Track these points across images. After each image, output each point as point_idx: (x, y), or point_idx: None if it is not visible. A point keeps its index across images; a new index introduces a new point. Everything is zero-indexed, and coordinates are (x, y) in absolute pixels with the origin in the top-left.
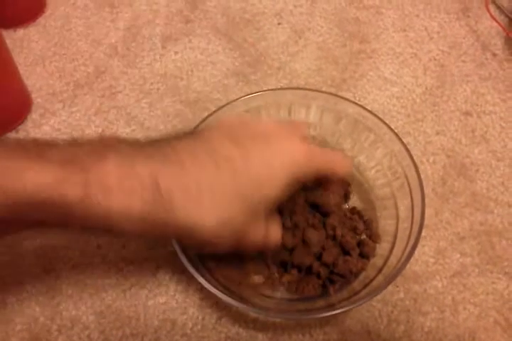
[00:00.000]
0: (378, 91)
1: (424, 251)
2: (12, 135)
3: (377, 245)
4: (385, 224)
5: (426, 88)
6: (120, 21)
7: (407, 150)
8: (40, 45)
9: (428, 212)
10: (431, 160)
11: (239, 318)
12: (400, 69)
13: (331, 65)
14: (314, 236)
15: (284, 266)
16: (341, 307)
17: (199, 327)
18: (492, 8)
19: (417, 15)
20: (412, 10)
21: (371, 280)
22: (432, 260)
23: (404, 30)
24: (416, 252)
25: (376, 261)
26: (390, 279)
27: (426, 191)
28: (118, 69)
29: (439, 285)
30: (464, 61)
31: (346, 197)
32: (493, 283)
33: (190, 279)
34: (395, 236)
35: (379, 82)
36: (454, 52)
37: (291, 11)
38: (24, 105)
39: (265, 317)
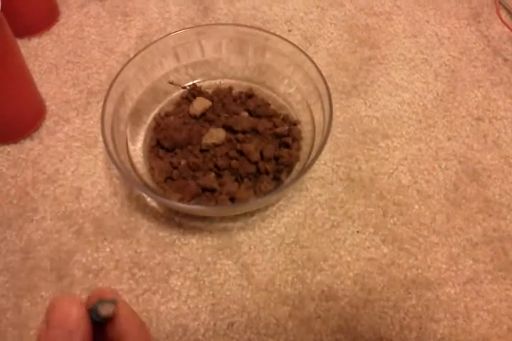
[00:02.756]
0: (389, 97)
1: (437, 257)
2: (26, 142)
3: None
4: (303, 124)
5: (437, 94)
6: (132, 29)
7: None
8: (54, 53)
9: (440, 218)
10: (443, 165)
11: (250, 324)
12: (410, 75)
13: (341, 71)
14: (250, 147)
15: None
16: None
17: (211, 333)
18: (503, 13)
19: (428, 21)
20: (422, 16)
21: (308, 158)
22: (444, 266)
23: (415, 36)
24: (428, 258)
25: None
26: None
27: (438, 197)
28: None
29: (452, 291)
30: (475, 66)
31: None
32: (506, 289)
33: (202, 285)
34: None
35: (390, 88)
36: (464, 58)
37: (302, 17)
38: (38, 112)
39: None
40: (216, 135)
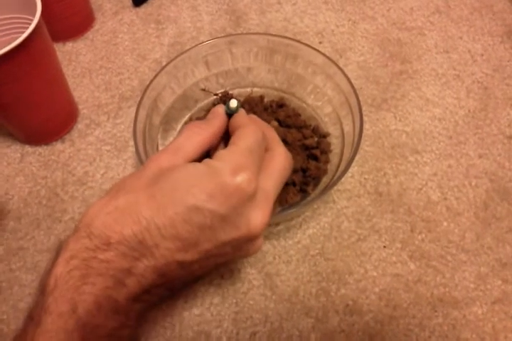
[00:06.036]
0: (420, 112)
1: (465, 276)
2: (58, 144)
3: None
4: (332, 136)
5: (469, 110)
6: (165, 37)
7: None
8: (88, 58)
9: (469, 236)
10: (473, 183)
11: (273, 335)
12: (442, 91)
13: (371, 84)
14: None
15: None
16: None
17: None
18: None
19: (461, 38)
20: (455, 32)
21: (336, 171)
22: (472, 286)
23: (447, 52)
24: (456, 277)
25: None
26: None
27: (467, 215)
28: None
29: (479, 311)
30: (508, 84)
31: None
32: None
33: (226, 292)
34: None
35: (420, 103)
36: (497, 75)
37: (333, 30)
38: (71, 115)
39: None
40: None
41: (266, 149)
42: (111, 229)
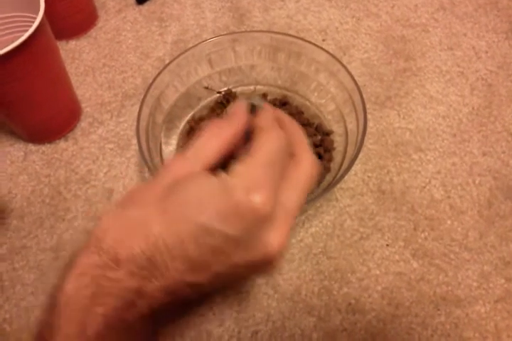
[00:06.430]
0: (423, 110)
1: (468, 274)
2: (61, 142)
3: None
4: (335, 134)
5: (473, 108)
6: (168, 35)
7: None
8: (91, 56)
9: (473, 234)
10: (477, 181)
11: (275, 334)
12: (446, 88)
13: (375, 81)
14: None
15: None
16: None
17: (235, 340)
18: None
19: (465, 34)
20: (459, 29)
21: (339, 169)
22: (475, 284)
23: (451, 49)
24: (459, 275)
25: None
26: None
27: (471, 213)
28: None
29: (482, 310)
30: None
31: None
32: None
33: (229, 291)
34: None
35: (424, 100)
36: (502, 72)
37: (337, 27)
38: (74, 113)
39: None
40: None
41: (291, 154)
42: (120, 244)
